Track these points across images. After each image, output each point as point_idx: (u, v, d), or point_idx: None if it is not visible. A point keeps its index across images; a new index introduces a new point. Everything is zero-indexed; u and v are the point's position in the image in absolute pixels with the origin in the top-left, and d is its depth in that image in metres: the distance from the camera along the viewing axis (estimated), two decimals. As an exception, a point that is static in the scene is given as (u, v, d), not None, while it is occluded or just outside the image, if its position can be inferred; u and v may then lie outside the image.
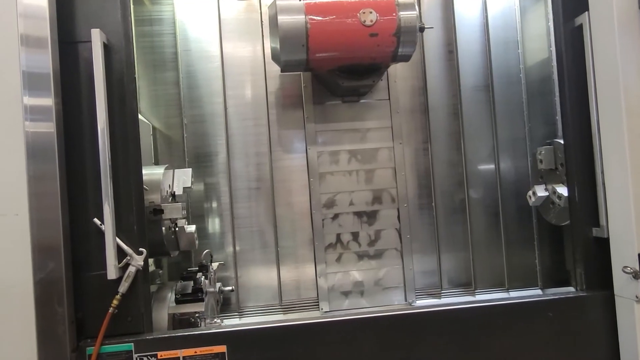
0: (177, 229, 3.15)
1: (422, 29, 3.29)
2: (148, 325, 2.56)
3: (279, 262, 3.67)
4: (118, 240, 2.44)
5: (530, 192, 3.63)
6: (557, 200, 3.36)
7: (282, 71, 3.41)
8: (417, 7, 3.28)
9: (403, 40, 3.17)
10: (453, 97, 3.85)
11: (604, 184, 2.73)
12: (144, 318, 2.52)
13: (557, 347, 2.69)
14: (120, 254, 2.45)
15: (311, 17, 3.09)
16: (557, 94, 3.81)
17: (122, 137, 2.57)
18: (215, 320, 3.15)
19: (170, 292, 3.05)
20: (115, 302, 2.43)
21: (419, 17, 3.24)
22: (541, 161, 3.55)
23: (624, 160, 2.53)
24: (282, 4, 3.17)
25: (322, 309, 3.67)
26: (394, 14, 3.13)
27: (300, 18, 3.10)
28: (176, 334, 2.52)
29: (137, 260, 2.50)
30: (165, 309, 2.94)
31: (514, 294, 3.76)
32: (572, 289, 3.87)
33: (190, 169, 3.36)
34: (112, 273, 2.38)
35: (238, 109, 3.71)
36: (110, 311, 2.42)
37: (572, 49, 2.87)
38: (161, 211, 2.90)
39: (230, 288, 3.56)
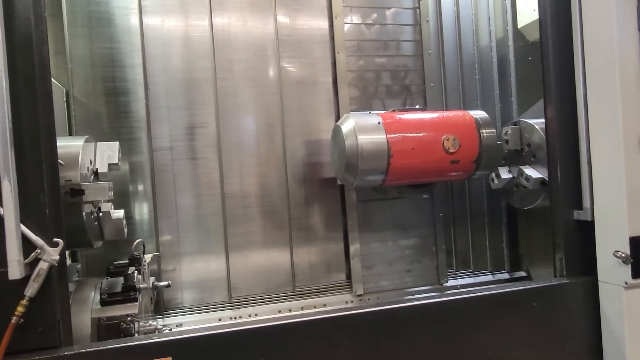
0: (100, 214, 2.62)
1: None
2: (67, 337, 2.09)
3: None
4: (24, 228, 1.97)
5: (492, 175, 3.44)
6: (525, 183, 3.20)
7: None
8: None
9: (482, 166, 3.19)
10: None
11: (589, 162, 2.56)
12: (60, 327, 2.07)
13: (540, 335, 2.55)
14: (28, 246, 1.98)
15: (392, 138, 2.96)
16: (513, 74, 3.77)
17: (29, 94, 2.04)
18: (150, 322, 2.65)
19: (92, 291, 2.56)
20: (20, 308, 1.98)
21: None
22: (507, 142, 3.37)
23: (617, 135, 2.37)
24: (360, 122, 2.99)
25: (355, 291, 3.46)
26: (476, 138, 3.11)
27: (382, 143, 2.94)
28: (106, 347, 2.03)
29: (51, 254, 2.02)
30: (87, 312, 2.47)
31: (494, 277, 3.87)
32: (523, 273, 3.90)
33: (117, 142, 2.85)
34: (15, 271, 1.92)
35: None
36: (13, 321, 1.96)
37: (557, 16, 2.67)
38: (81, 192, 2.35)
39: (166, 283, 3.04)
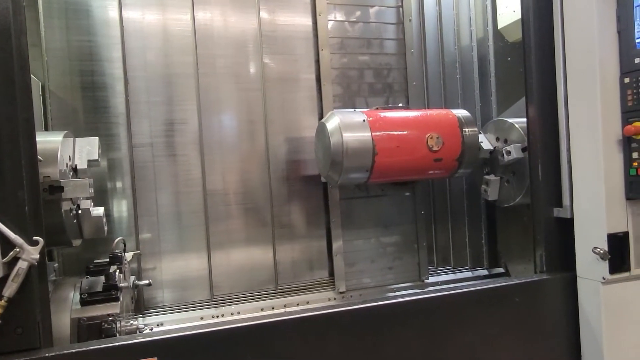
0: (79, 211, 2.53)
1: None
2: (47, 338, 1.99)
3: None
4: (1, 226, 1.90)
5: (483, 187, 3.47)
6: (507, 156, 3.20)
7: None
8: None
9: (465, 164, 3.20)
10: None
11: (569, 161, 2.62)
12: (40, 329, 1.98)
13: (520, 329, 2.60)
14: (6, 244, 1.90)
15: (376, 136, 2.96)
16: (493, 74, 3.83)
17: (7, 87, 1.93)
18: (131, 322, 2.58)
19: (72, 291, 2.47)
20: (-2, 309, 1.85)
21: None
22: (480, 149, 3.35)
23: (596, 134, 2.42)
24: (345, 120, 2.97)
25: (338, 288, 3.44)
26: (459, 137, 3.13)
27: (368, 140, 2.94)
28: (89, 347, 1.96)
29: (31, 253, 1.93)
30: (66, 312, 2.38)
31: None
32: (501, 269, 3.97)
33: (97, 138, 2.74)
34: (-7, 271, 1.81)
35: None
36: (-10, 322, 1.84)
37: (539, 17, 2.71)
38: (60, 189, 2.27)
39: (147, 282, 2.98)
